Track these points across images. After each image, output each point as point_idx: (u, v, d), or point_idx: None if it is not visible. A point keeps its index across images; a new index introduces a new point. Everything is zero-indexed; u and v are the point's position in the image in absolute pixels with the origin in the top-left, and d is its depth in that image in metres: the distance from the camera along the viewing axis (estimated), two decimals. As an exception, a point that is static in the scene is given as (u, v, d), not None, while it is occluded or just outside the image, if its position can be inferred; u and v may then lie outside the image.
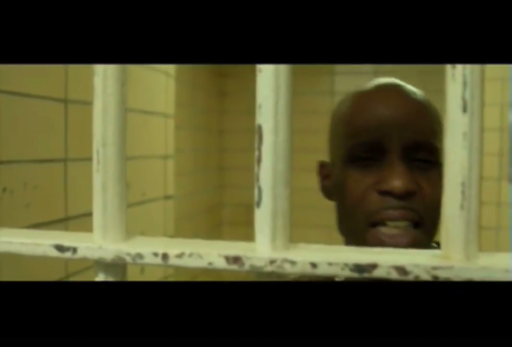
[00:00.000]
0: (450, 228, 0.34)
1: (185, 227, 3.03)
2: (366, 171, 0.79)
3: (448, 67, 0.35)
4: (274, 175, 0.35)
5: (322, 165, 0.91)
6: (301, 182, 3.60)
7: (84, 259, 0.38)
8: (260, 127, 0.35)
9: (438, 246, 0.88)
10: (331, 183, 0.86)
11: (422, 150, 0.79)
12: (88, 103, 1.28)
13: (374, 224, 0.77)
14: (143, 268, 1.54)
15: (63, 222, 1.20)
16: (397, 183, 0.75)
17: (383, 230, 0.76)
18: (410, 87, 0.83)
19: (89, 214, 1.39)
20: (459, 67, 0.34)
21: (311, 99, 3.65)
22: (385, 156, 0.78)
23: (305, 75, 3.60)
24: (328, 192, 0.88)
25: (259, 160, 0.35)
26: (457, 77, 0.34)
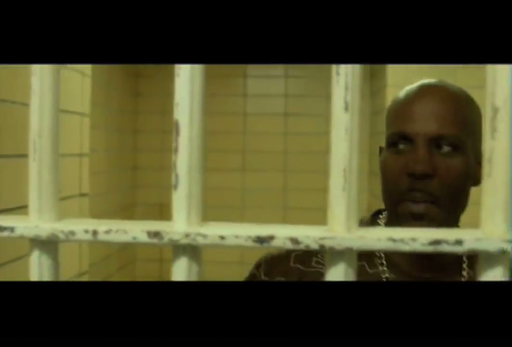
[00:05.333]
0: (334, 206, 0.42)
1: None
2: (399, 155, 1.00)
3: (333, 74, 0.42)
4: (189, 162, 0.42)
5: (380, 150, 1.10)
6: (213, 181, 3.67)
7: (21, 237, 0.43)
8: (177, 122, 0.42)
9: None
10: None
11: (446, 141, 0.98)
12: (16, 103, 1.31)
13: (404, 200, 0.99)
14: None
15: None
16: (417, 166, 0.96)
17: (410, 205, 0.98)
18: (449, 86, 1.03)
19: (18, 208, 1.40)
20: (342, 74, 0.42)
21: (224, 100, 3.72)
22: (413, 144, 0.98)
23: (219, 78, 3.67)
24: None
25: (176, 150, 0.42)
26: (341, 82, 0.42)
